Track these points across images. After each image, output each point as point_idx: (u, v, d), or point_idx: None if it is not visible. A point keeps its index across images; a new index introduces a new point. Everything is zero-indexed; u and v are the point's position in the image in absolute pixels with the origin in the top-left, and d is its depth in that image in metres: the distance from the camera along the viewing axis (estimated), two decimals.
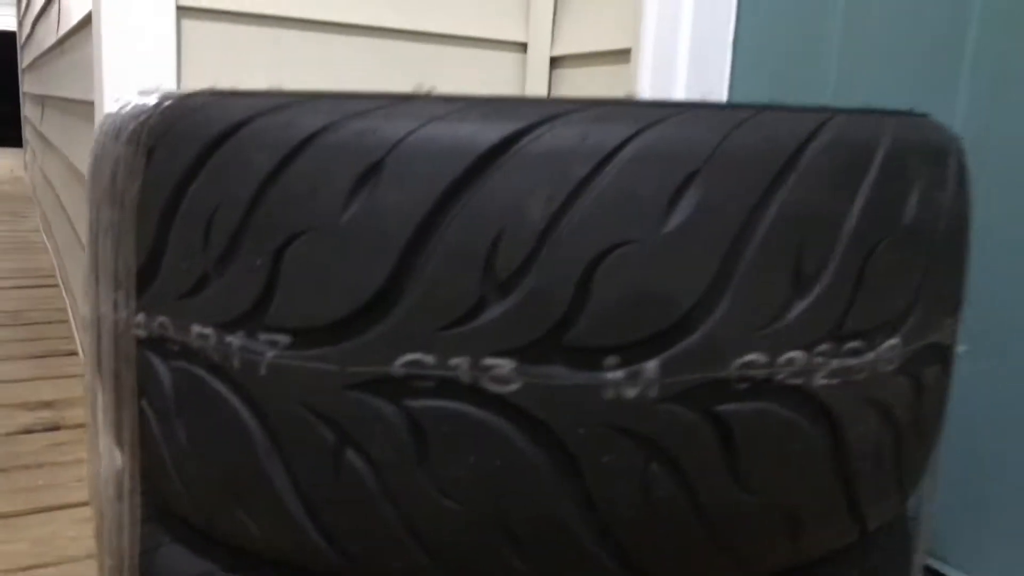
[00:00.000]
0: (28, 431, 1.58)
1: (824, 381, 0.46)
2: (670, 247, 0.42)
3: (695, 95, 1.21)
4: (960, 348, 0.96)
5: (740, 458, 0.45)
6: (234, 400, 0.46)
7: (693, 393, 0.43)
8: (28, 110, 4.59)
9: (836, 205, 0.45)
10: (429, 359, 0.42)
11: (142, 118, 0.48)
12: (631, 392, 0.43)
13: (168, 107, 0.47)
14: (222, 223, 0.44)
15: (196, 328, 0.46)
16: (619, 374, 0.42)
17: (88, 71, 1.32)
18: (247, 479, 0.47)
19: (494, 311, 0.42)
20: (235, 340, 0.45)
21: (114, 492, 0.60)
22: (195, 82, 1.16)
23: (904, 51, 1.03)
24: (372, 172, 0.41)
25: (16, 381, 1.83)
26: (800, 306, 0.44)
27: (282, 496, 0.46)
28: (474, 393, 0.42)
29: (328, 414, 0.44)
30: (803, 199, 0.43)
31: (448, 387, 0.43)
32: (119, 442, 0.55)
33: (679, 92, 1.19)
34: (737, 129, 0.43)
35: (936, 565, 0.99)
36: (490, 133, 0.41)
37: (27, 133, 5.03)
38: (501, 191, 0.41)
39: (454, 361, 0.42)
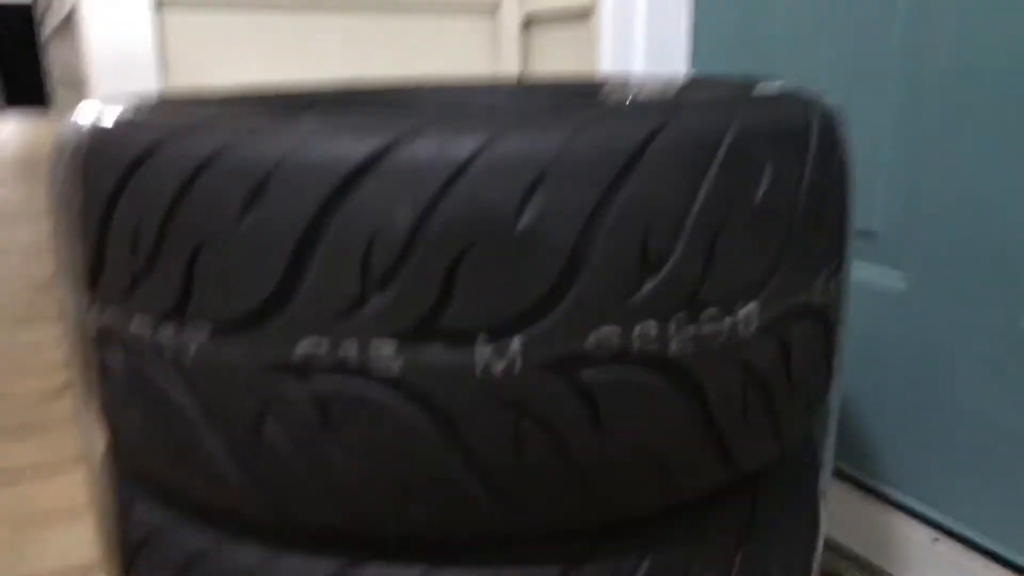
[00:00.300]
0: (65, 389, 1.70)
1: (679, 347, 0.52)
2: (522, 244, 0.48)
3: (654, 54, 1.24)
4: (901, 285, 1.00)
5: (604, 417, 0.52)
6: (171, 382, 0.54)
7: (555, 364, 0.50)
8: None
9: (679, 195, 0.50)
10: (323, 345, 0.49)
11: (78, 139, 0.55)
12: (499, 365, 0.49)
13: (95, 131, 0.54)
14: (144, 233, 0.51)
15: (136, 321, 0.54)
16: (487, 350, 0.49)
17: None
18: (188, 447, 0.55)
19: (375, 302, 0.48)
20: (167, 332, 0.53)
21: (97, 456, 0.69)
22: (181, 74, 1.23)
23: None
24: (259, 189, 0.48)
25: (51, 344, 1.95)
26: (650, 283, 0.50)
27: (218, 460, 0.54)
28: (364, 372, 0.50)
29: (247, 393, 0.52)
30: (645, 193, 0.49)
31: (341, 368, 0.50)
32: (94, 415, 0.64)
33: (638, 53, 1.23)
34: (581, 133, 0.49)
35: (886, 489, 1.05)
36: (358, 149, 0.47)
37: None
38: (371, 201, 0.47)
39: (345, 345, 0.49)
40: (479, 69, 1.56)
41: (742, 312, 0.54)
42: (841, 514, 1.07)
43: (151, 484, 0.63)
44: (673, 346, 0.52)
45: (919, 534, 0.99)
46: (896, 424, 1.03)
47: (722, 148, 0.52)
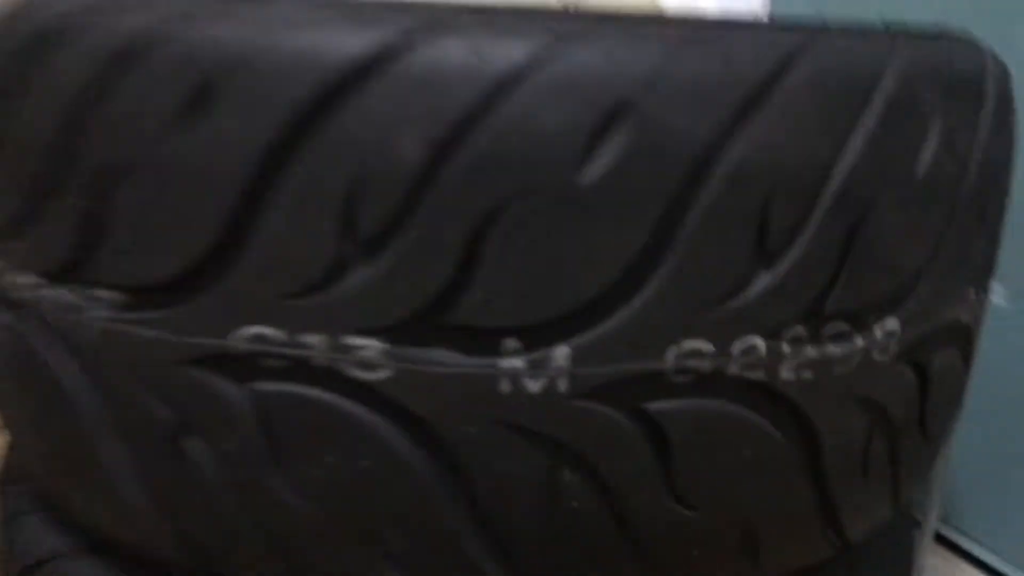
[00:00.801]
0: None
1: (793, 375, 0.36)
2: (589, 202, 0.32)
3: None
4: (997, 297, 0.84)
5: (678, 467, 0.36)
6: (66, 364, 0.38)
7: (616, 388, 0.34)
8: None
9: (819, 152, 0.34)
10: (277, 333, 0.33)
11: None
12: (534, 385, 0.33)
13: None
14: (33, 152, 0.35)
15: (18, 280, 0.38)
16: (518, 362, 0.33)
17: None
18: (81, 456, 0.39)
19: (357, 277, 0.32)
20: (59, 297, 0.37)
21: None
22: None
23: None
24: (203, 95, 0.32)
25: None
26: (764, 280, 0.34)
27: (121, 479, 0.38)
28: (333, 379, 0.33)
29: (166, 392, 0.36)
30: (773, 144, 0.33)
31: (301, 370, 0.34)
32: None
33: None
34: (687, 50, 0.32)
35: (958, 539, 0.89)
36: (354, 45, 0.31)
37: None
38: (366, 122, 0.31)
39: (308, 338, 0.33)
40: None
41: (879, 331, 0.38)
42: None
43: (44, 498, 0.48)
44: (784, 372, 0.36)
45: None
46: (993, 474, 0.86)
47: (880, 91, 0.35)
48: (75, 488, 0.41)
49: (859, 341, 0.37)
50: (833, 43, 0.35)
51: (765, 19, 0.73)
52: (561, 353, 0.33)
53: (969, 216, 0.41)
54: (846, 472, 0.40)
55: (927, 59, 0.38)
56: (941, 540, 0.90)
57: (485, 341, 0.33)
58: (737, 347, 0.34)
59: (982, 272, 0.45)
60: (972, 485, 0.88)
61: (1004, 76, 0.43)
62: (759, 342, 0.35)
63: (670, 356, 0.34)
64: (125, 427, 0.37)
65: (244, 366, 0.34)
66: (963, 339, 0.44)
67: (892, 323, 0.38)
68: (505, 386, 0.33)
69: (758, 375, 0.35)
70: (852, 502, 0.41)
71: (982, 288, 0.45)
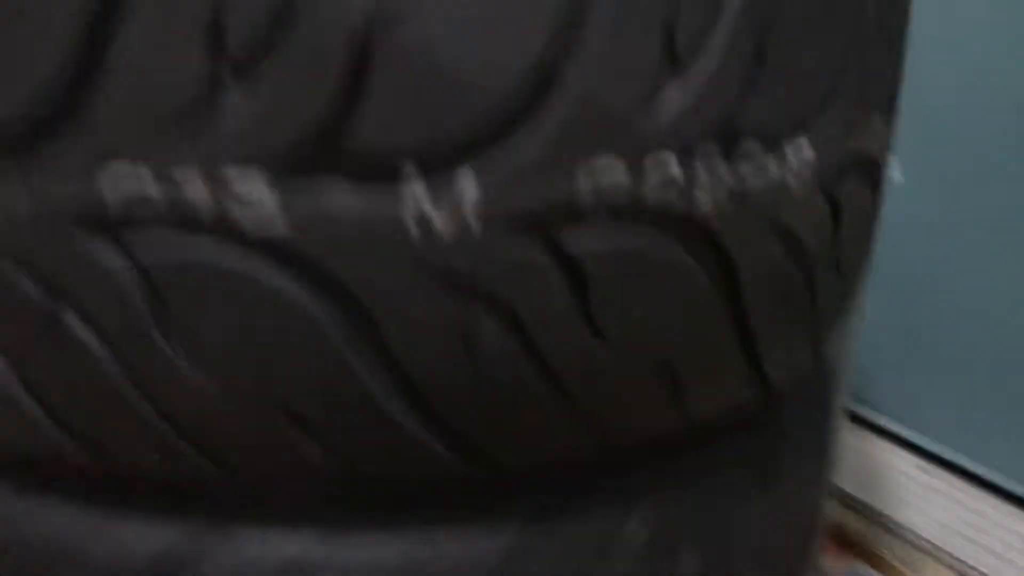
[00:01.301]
0: None
1: (710, 202, 0.34)
2: None
3: None
4: (894, 175, 0.86)
5: (597, 303, 0.34)
6: None
7: (529, 220, 0.32)
8: None
9: None
10: (145, 175, 0.30)
11: None
12: (440, 220, 0.31)
13: None
14: None
15: None
16: (419, 191, 0.30)
17: None
18: None
19: (232, 98, 0.29)
20: None
21: None
22: None
23: None
24: None
25: None
26: (674, 89, 0.32)
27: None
28: (224, 236, 0.30)
29: (27, 258, 0.32)
30: None
31: (180, 219, 0.30)
32: None
33: None
34: None
35: (867, 413, 0.92)
36: None
37: None
38: None
39: (182, 177, 0.30)
40: None
41: (794, 157, 0.37)
42: None
43: None
44: (703, 199, 0.34)
45: (904, 463, 0.86)
46: (883, 340, 0.89)
47: None
48: None
49: (774, 167, 0.36)
50: None
51: None
52: (467, 180, 0.30)
53: (871, 37, 0.40)
54: (765, 306, 0.39)
55: None
56: (856, 419, 0.93)
57: (384, 170, 0.30)
58: (651, 166, 0.33)
59: (886, 98, 0.44)
60: (880, 362, 0.90)
61: None
62: (672, 159, 0.33)
63: (582, 177, 0.32)
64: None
65: (118, 221, 0.30)
66: (870, 171, 0.44)
67: (807, 150, 0.37)
68: (410, 225, 0.31)
69: (674, 199, 0.33)
70: (772, 338, 0.40)
71: (887, 120, 0.44)
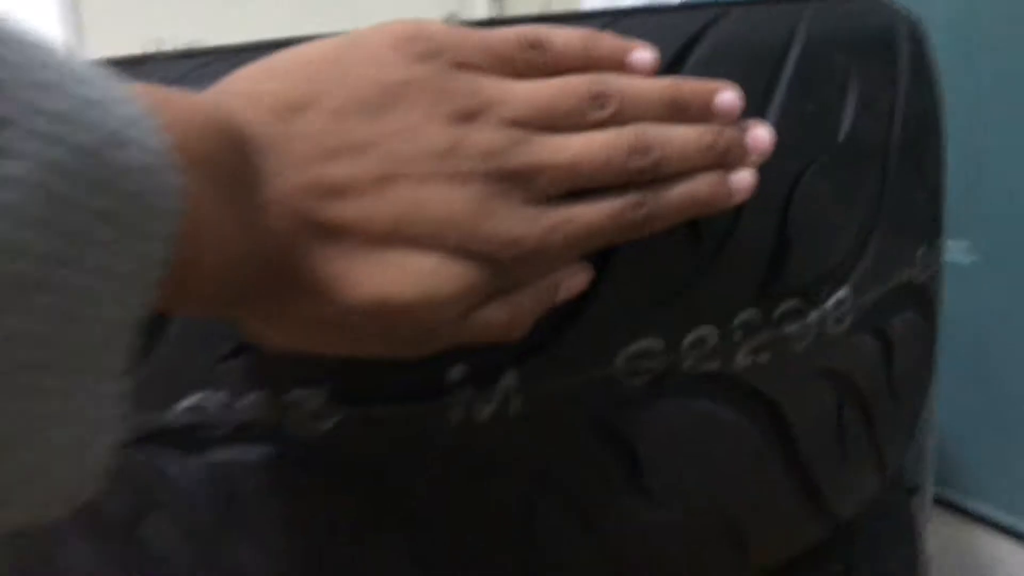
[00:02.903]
0: None
1: (749, 360, 0.35)
2: None
3: None
4: (967, 258, 0.84)
5: (647, 473, 0.35)
6: None
7: (568, 402, 0.33)
8: None
9: None
10: (216, 398, 0.32)
11: None
12: (484, 413, 0.32)
13: None
14: None
15: None
16: (468, 391, 0.32)
17: None
18: (39, 561, 0.37)
19: None
20: None
21: None
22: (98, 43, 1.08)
23: None
24: None
25: None
26: (704, 269, 0.34)
27: None
28: (279, 436, 0.32)
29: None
30: None
31: (246, 432, 0.33)
32: None
33: None
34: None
35: (968, 503, 0.89)
36: None
37: None
38: None
39: (247, 399, 0.32)
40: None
41: (832, 302, 0.37)
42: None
43: None
44: (740, 358, 0.35)
45: (1015, 556, 0.82)
46: (979, 425, 0.86)
47: (791, 57, 0.35)
48: None
49: (812, 316, 0.37)
50: (739, 14, 0.35)
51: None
52: (508, 375, 0.32)
53: (903, 173, 0.40)
54: (821, 448, 0.39)
55: (836, 20, 0.37)
56: (948, 505, 0.90)
57: (430, 376, 0.32)
58: (688, 340, 0.34)
59: (929, 228, 0.44)
60: (968, 445, 0.87)
61: (917, 33, 0.43)
62: (709, 331, 0.34)
63: (620, 360, 0.33)
64: (84, 522, 0.36)
65: (189, 437, 0.33)
66: (920, 299, 0.44)
67: (844, 292, 0.38)
68: (456, 415, 0.32)
69: (713, 366, 0.34)
70: (833, 477, 0.40)
71: (932, 245, 0.45)
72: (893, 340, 0.41)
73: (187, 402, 0.32)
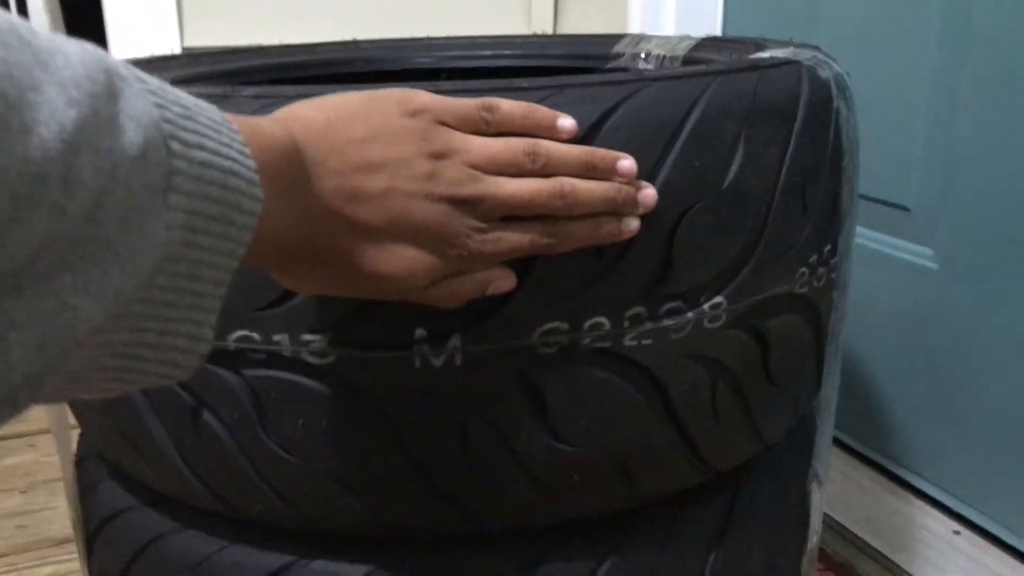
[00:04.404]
0: None
1: (635, 342, 0.48)
2: None
3: (685, 15, 1.18)
4: (932, 264, 0.94)
5: (554, 416, 0.49)
6: None
7: (497, 359, 0.47)
8: None
9: (640, 174, 0.46)
10: (255, 335, 0.47)
11: None
12: (437, 361, 0.47)
13: None
14: None
15: None
16: (425, 346, 0.46)
17: None
18: (136, 433, 0.53)
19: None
20: None
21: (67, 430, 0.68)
22: (198, 34, 1.21)
23: None
24: None
25: None
26: (603, 276, 0.47)
27: (163, 448, 0.53)
28: (297, 364, 0.47)
29: (184, 381, 0.50)
30: None
31: (275, 359, 0.47)
32: None
33: (669, 13, 1.17)
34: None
35: (907, 476, 1.00)
36: None
37: None
38: None
39: (276, 337, 0.47)
40: (511, 28, 1.51)
41: (707, 305, 0.50)
42: (857, 501, 1.02)
43: (113, 467, 0.62)
44: (628, 340, 0.48)
45: (939, 526, 0.94)
46: (921, 408, 0.97)
47: (687, 125, 0.47)
48: (134, 456, 0.55)
49: (690, 315, 0.50)
50: (651, 90, 0.47)
51: (697, 40, 0.85)
52: (455, 337, 0.46)
53: (787, 211, 0.52)
54: (696, 413, 0.52)
55: (732, 94, 0.49)
56: (895, 479, 1.01)
57: (401, 332, 0.46)
58: (588, 325, 0.47)
59: (818, 248, 0.56)
60: (922, 430, 0.98)
61: (823, 94, 0.55)
62: (604, 320, 0.47)
63: (537, 334, 0.47)
64: (162, 408, 0.51)
65: (236, 358, 0.48)
66: (803, 307, 0.56)
67: (719, 299, 0.50)
68: (418, 362, 0.47)
69: (605, 344, 0.48)
70: (707, 437, 0.53)
71: (818, 264, 0.56)
72: (768, 337, 0.54)
73: (236, 335, 0.47)
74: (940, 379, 0.95)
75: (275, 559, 0.54)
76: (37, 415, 1.42)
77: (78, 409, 0.61)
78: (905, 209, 0.97)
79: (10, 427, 1.38)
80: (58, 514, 1.14)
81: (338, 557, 0.54)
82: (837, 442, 1.07)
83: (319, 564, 0.54)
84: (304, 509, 0.51)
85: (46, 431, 1.36)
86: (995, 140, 0.86)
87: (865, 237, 1.01)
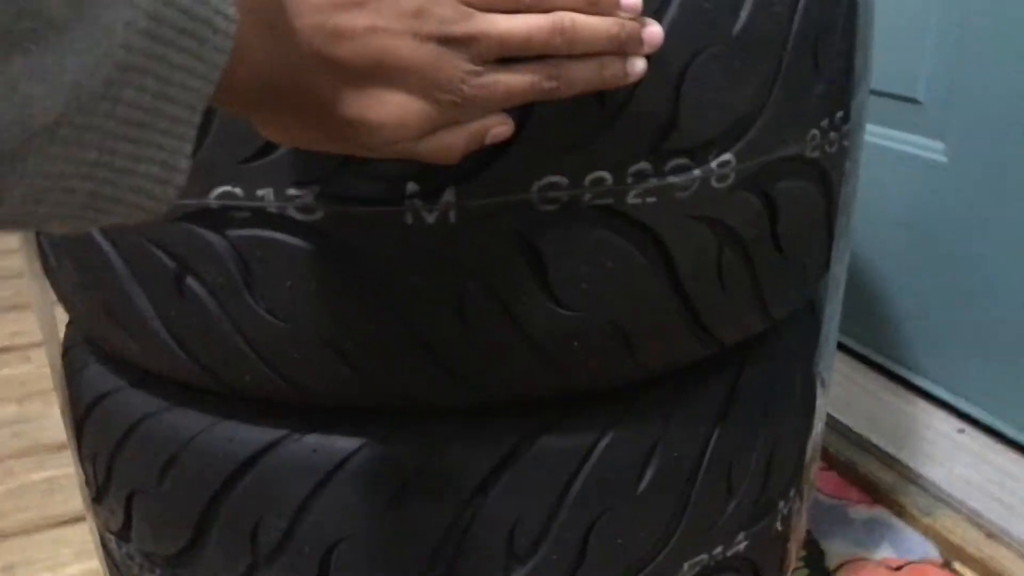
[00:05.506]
0: None
1: (639, 200, 0.46)
2: None
3: None
4: (942, 157, 0.92)
5: (552, 278, 0.46)
6: (99, 239, 0.50)
7: (494, 216, 0.45)
8: None
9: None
10: (238, 191, 0.45)
11: None
12: (430, 217, 0.44)
13: None
14: None
15: None
16: (417, 201, 0.44)
17: None
18: (119, 305, 0.51)
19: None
20: None
21: (48, 321, 0.66)
22: None
23: None
24: None
25: None
26: (606, 127, 0.44)
27: (147, 319, 0.51)
28: (283, 221, 0.45)
29: (165, 245, 0.48)
30: None
31: (260, 216, 0.45)
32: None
33: None
34: None
35: (911, 376, 0.99)
36: None
37: None
38: None
39: (261, 192, 0.45)
40: None
41: (715, 162, 0.48)
42: (860, 402, 1.01)
43: (100, 351, 0.61)
44: (631, 198, 0.46)
45: (943, 424, 0.93)
46: (927, 306, 0.95)
47: None
48: (120, 332, 0.53)
49: (697, 173, 0.47)
50: None
51: None
52: (449, 191, 0.44)
53: (800, 65, 0.49)
54: (700, 279, 0.50)
55: None
56: (899, 380, 1.00)
57: (392, 187, 0.44)
58: (588, 180, 0.45)
59: (829, 112, 0.53)
60: (926, 331, 0.97)
61: None
62: (606, 175, 0.45)
63: (535, 189, 0.44)
64: (143, 275, 0.49)
65: (219, 217, 0.46)
66: (814, 172, 0.54)
67: (728, 156, 0.48)
68: (409, 218, 0.44)
69: (607, 201, 0.45)
70: (712, 305, 0.51)
71: (830, 127, 0.54)
72: (778, 202, 0.51)
73: (218, 191, 0.45)
74: (947, 277, 0.93)
75: (267, 433, 0.52)
76: (31, 328, 1.41)
77: (62, 291, 0.59)
78: (915, 102, 0.94)
79: (5, 340, 1.37)
80: (53, 422, 1.13)
81: (331, 431, 0.52)
82: (839, 345, 1.05)
83: (312, 438, 0.52)
84: (295, 378, 0.50)
85: (40, 344, 1.35)
86: (1009, 27, 0.83)
87: (872, 133, 0.98)
